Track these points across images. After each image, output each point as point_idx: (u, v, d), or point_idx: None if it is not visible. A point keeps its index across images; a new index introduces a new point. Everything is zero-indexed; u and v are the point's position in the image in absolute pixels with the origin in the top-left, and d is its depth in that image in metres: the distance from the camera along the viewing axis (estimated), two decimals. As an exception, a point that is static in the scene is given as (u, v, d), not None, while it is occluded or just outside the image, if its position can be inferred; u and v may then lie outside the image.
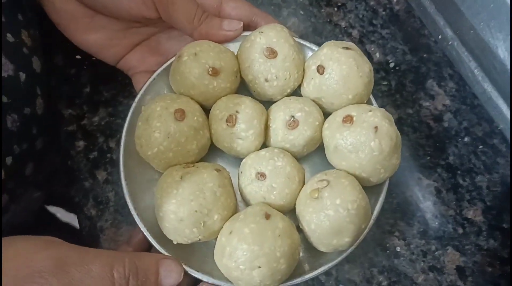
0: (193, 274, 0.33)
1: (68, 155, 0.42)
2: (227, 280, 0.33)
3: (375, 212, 0.35)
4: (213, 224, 0.33)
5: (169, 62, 0.40)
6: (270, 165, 0.34)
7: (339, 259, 0.34)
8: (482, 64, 0.41)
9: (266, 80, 0.37)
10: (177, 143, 0.34)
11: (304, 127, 0.36)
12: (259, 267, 0.30)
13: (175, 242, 0.34)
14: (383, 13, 0.51)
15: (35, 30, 0.39)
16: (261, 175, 0.34)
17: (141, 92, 0.39)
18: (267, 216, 0.32)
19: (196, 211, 0.32)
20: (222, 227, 0.33)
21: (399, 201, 0.42)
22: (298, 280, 0.33)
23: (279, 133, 0.36)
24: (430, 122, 0.45)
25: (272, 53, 0.37)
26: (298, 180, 0.35)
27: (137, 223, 0.35)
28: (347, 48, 0.36)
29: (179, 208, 0.32)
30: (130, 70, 0.43)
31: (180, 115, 0.35)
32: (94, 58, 0.43)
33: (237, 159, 0.38)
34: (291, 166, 0.35)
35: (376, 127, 0.33)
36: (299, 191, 0.35)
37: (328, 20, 0.51)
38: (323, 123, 0.37)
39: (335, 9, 0.52)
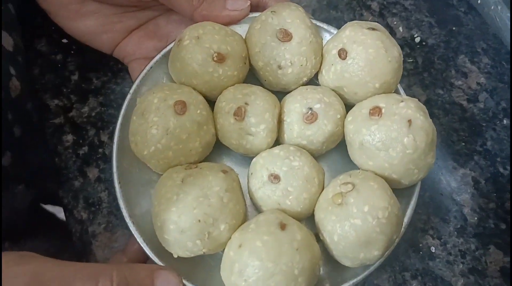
0: None
1: (55, 151, 0.37)
2: None
3: (406, 219, 0.31)
4: (220, 235, 0.28)
5: (168, 47, 0.35)
6: (285, 165, 0.30)
7: (366, 273, 0.30)
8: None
9: (279, 67, 0.33)
10: (178, 141, 0.30)
11: (323, 121, 0.31)
12: (273, 289, 0.25)
13: (175, 256, 0.29)
14: (406, -19, 0.46)
15: (7, 3, 0.34)
16: (275, 177, 0.29)
17: (137, 82, 0.35)
18: (283, 226, 0.27)
19: (199, 220, 0.27)
20: (230, 238, 0.29)
21: (431, 194, 0.37)
22: None
23: (294, 128, 0.31)
24: (464, 103, 0.40)
25: (286, 36, 0.32)
26: (318, 182, 0.30)
27: (132, 232, 0.30)
28: (373, 29, 0.31)
29: (180, 218, 0.27)
30: (126, 58, 0.38)
31: (180, 107, 0.30)
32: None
33: (246, 158, 0.33)
34: (309, 167, 0.30)
35: (409, 121, 0.28)
36: (319, 196, 0.30)
37: (344, -9, 0.45)
38: (345, 117, 0.32)
39: (352, -22, 0.47)
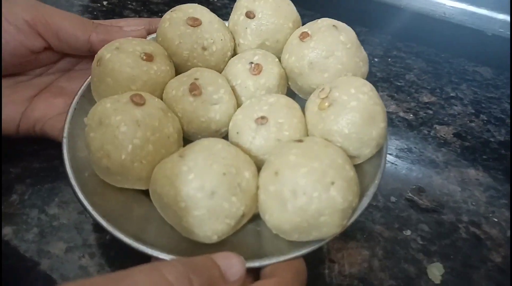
0: (257, 265, 0.25)
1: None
2: (298, 247, 0.25)
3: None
4: (249, 185, 0.25)
5: (86, 82, 0.33)
6: (264, 105, 0.30)
7: (383, 162, 0.30)
8: None
9: (204, 48, 0.34)
10: (153, 129, 0.27)
11: (268, 66, 0.33)
12: (333, 182, 0.24)
13: (215, 238, 0.25)
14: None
15: None
16: (262, 118, 0.29)
17: (66, 128, 0.31)
18: (300, 141, 0.27)
19: (224, 173, 0.24)
20: (258, 186, 0.26)
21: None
22: (371, 190, 0.28)
23: (248, 84, 0.32)
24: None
25: (196, 20, 0.34)
26: (298, 107, 0.31)
27: (152, 254, 0.25)
28: (262, -11, 0.36)
29: (204, 179, 0.24)
30: (37, 124, 0.34)
31: (139, 98, 0.28)
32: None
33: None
34: (284, 97, 0.31)
35: (334, 25, 0.32)
36: (304, 120, 0.31)
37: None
38: (280, 61, 0.35)
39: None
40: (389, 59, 0.49)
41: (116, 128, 0.26)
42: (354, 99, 0.28)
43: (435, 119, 0.42)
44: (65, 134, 0.30)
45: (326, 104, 0.29)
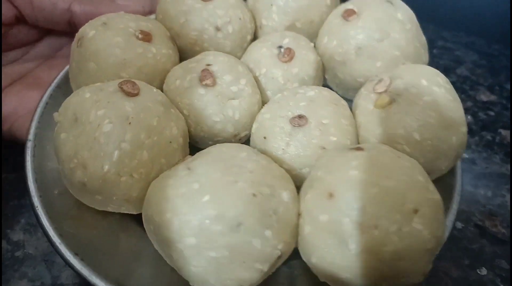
0: None
1: None
2: None
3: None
4: (287, 211, 0.18)
5: (63, 71, 0.26)
6: (300, 100, 0.22)
7: (458, 179, 0.23)
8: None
9: (218, 29, 0.26)
10: (149, 130, 0.19)
11: (302, 51, 0.25)
12: (416, 210, 0.16)
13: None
14: None
15: None
16: (300, 118, 0.21)
17: (33, 128, 0.23)
18: (358, 149, 0.19)
19: (254, 194, 0.17)
20: (300, 213, 0.18)
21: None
22: (450, 218, 0.21)
23: (277, 74, 0.25)
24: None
25: (207, -6, 0.27)
26: (346, 104, 0.23)
27: None
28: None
29: (224, 203, 0.16)
30: (7, 122, 0.27)
31: (131, 86, 0.20)
32: None
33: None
34: (327, 91, 0.23)
35: (388, 0, 0.25)
36: (354, 122, 0.23)
37: None
38: (314, 46, 0.27)
39: None
40: (435, 51, 0.41)
41: (97, 127, 0.18)
42: (428, 93, 0.21)
43: (498, 122, 0.34)
44: (30, 136, 0.23)
45: (387, 100, 0.21)
